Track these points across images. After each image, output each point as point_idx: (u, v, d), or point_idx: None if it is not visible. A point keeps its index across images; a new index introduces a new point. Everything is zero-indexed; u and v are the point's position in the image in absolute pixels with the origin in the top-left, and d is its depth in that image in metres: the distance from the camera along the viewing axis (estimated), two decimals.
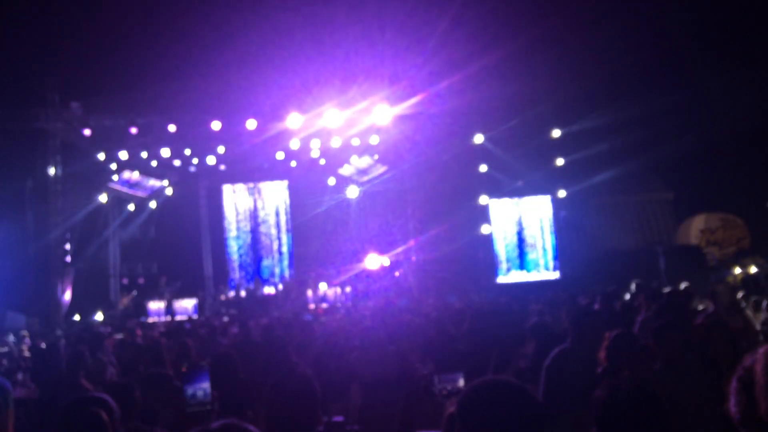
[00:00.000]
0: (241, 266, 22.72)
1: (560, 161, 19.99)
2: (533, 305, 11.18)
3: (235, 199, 23.03)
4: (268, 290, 21.07)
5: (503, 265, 20.45)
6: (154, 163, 19.43)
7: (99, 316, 17.40)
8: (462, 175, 19.64)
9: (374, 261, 19.32)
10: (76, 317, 17.34)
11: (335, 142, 18.69)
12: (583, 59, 17.60)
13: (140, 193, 21.65)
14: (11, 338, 12.22)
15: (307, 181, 22.15)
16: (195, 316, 17.09)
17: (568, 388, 4.04)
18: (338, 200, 22.62)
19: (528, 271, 20.41)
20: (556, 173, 20.28)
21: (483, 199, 20.31)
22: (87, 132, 16.97)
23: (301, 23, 15.70)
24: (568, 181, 20.34)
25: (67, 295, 17.47)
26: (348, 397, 5.85)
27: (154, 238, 22.15)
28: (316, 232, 22.38)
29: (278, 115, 16.66)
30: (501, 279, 20.13)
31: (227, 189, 22.94)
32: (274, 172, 21.77)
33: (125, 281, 21.15)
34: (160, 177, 21.51)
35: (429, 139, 19.17)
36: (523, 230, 20.60)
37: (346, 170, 22.11)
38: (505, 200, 20.68)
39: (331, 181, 22.58)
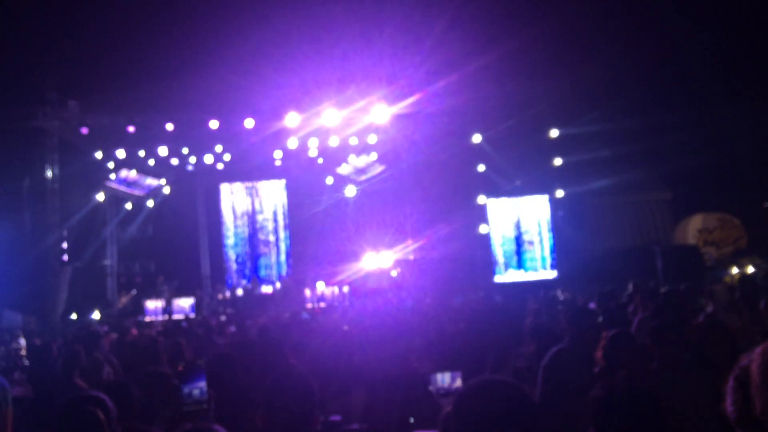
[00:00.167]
0: (238, 265, 22.71)
1: (558, 161, 20.01)
2: (530, 305, 11.20)
3: (232, 199, 23.02)
4: (266, 289, 21.07)
5: (501, 265, 20.45)
6: (151, 162, 19.42)
7: (96, 315, 17.38)
8: (460, 175, 19.65)
9: (372, 260, 19.32)
10: (73, 316, 17.32)
11: (333, 142, 18.70)
12: (581, 59, 17.62)
13: (138, 192, 21.62)
14: (8, 337, 12.21)
15: (305, 181, 22.15)
16: (192, 316, 17.08)
17: (565, 387, 4.04)
18: (336, 200, 22.62)
19: (525, 270, 20.42)
20: (554, 173, 20.30)
21: (481, 199, 20.33)
22: (84, 130, 16.94)
23: (299, 22, 15.70)
24: (566, 181, 20.36)
25: (64, 294, 17.45)
26: (345, 397, 5.85)
27: (151, 237, 22.13)
28: (314, 231, 22.37)
29: (276, 114, 16.65)
30: (498, 278, 20.14)
31: (225, 188, 22.93)
32: (271, 171, 21.76)
33: (123, 280, 21.12)
34: (158, 176, 21.49)
35: (427, 139, 19.17)
36: (520, 230, 20.61)
37: (344, 169, 22.10)
38: (503, 200, 20.69)
39: (329, 180, 22.58)
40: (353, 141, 18.94)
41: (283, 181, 22.86)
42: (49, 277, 17.08)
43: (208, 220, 22.80)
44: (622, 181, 21.20)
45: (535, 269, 20.48)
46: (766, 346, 1.72)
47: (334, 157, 20.59)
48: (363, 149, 20.15)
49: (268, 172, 21.89)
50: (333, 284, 18.60)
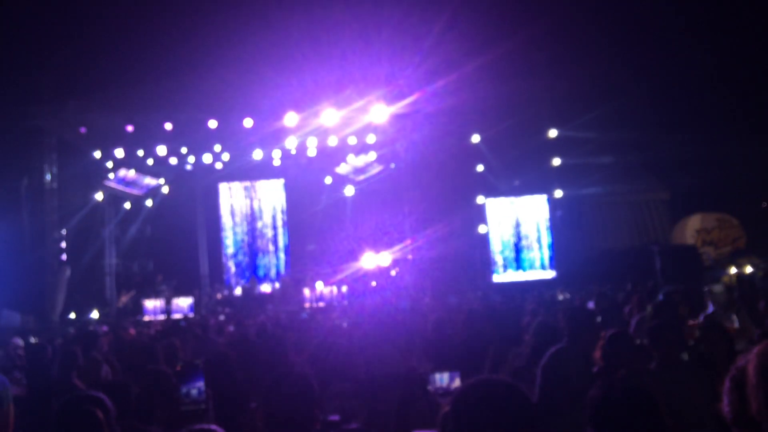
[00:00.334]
0: (237, 265, 22.70)
1: (557, 161, 20.03)
2: (529, 304, 11.21)
3: (231, 198, 23.00)
4: (265, 289, 21.06)
5: (499, 265, 20.46)
6: (150, 162, 19.40)
7: (95, 314, 17.38)
8: (459, 175, 19.66)
9: (371, 260, 19.32)
10: (72, 315, 17.31)
11: (332, 141, 18.70)
12: (580, 59, 17.63)
13: (136, 192, 21.60)
14: (7, 337, 12.18)
15: (304, 180, 22.13)
16: (191, 315, 17.07)
17: (564, 387, 4.04)
18: (335, 199, 22.62)
19: (524, 270, 20.43)
20: (553, 173, 20.32)
21: (479, 199, 20.34)
22: (83, 130, 16.92)
23: (298, 22, 15.68)
24: (565, 180, 20.38)
25: (62, 294, 17.44)
26: (344, 396, 5.85)
27: (150, 237, 22.12)
28: (313, 230, 22.37)
29: (275, 113, 16.65)
30: (497, 278, 20.15)
31: (223, 187, 22.91)
32: (270, 170, 21.75)
33: (122, 280, 21.10)
34: (157, 175, 21.47)
35: (426, 139, 19.18)
36: (519, 230, 20.62)
37: (342, 169, 22.10)
38: (502, 199, 20.71)
39: (328, 179, 22.57)
40: (352, 141, 18.95)
41: (281, 181, 22.85)
42: (47, 277, 17.07)
43: (207, 219, 22.78)
44: (620, 182, 21.22)
45: (534, 269, 20.49)
46: (762, 347, 1.73)
47: (332, 157, 20.59)
48: (362, 149, 20.16)
49: (266, 171, 21.87)
50: (332, 284, 18.60)
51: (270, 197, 23.07)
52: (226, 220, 22.86)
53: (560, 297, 14.06)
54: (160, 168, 20.65)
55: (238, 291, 20.80)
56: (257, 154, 19.21)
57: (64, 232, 18.03)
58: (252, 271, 22.39)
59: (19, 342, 10.20)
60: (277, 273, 22.49)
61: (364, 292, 18.27)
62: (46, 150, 17.36)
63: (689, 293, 8.22)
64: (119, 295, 19.93)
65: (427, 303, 14.29)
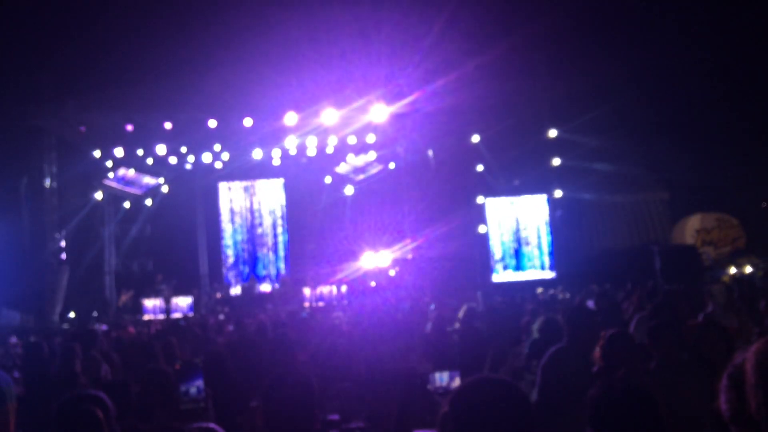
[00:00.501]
0: (236, 264, 22.71)
1: (556, 161, 20.03)
2: (528, 304, 11.21)
3: (230, 197, 23.00)
4: (264, 288, 21.07)
5: (499, 264, 20.46)
6: (149, 161, 19.40)
7: (94, 314, 17.38)
8: (458, 174, 19.66)
9: (370, 259, 19.32)
10: (71, 315, 17.31)
11: (332, 140, 18.70)
12: (580, 58, 17.63)
13: (136, 191, 21.61)
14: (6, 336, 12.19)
15: (304, 180, 22.14)
16: (191, 314, 17.08)
17: (563, 387, 4.04)
18: (334, 198, 22.62)
19: (524, 270, 20.43)
20: (553, 173, 20.31)
21: (479, 199, 20.34)
22: (82, 129, 16.92)
23: (298, 22, 15.68)
24: (565, 180, 20.38)
25: (62, 293, 17.43)
26: (344, 396, 5.85)
27: (149, 236, 22.12)
28: (313, 230, 22.37)
29: (275, 113, 16.65)
30: (496, 278, 20.15)
31: (223, 187, 22.91)
32: (270, 170, 21.75)
33: (122, 279, 21.10)
34: (156, 175, 21.47)
35: (426, 138, 19.19)
36: (519, 229, 20.61)
37: (342, 168, 22.10)
38: (502, 199, 20.70)
39: (328, 179, 22.57)
40: (351, 140, 18.94)
41: (281, 180, 22.85)
42: (47, 276, 17.07)
43: (207, 218, 22.77)
44: (620, 181, 21.22)
45: (534, 269, 20.49)
46: (759, 345, 1.73)
47: (332, 156, 20.59)
48: (361, 148, 20.16)
49: (266, 171, 21.87)
50: (331, 283, 18.60)
51: (270, 197, 23.07)
52: (226, 220, 22.86)
53: (552, 295, 14.03)
54: (160, 167, 20.65)
55: (237, 290, 20.80)
56: (257, 154, 19.21)
57: (63, 231, 18.02)
58: (251, 271, 22.39)
59: (15, 341, 10.21)
60: (277, 272, 22.49)
61: (363, 291, 18.28)
62: (46, 149, 17.36)
63: (689, 293, 8.23)
64: (119, 295, 19.93)
65: (427, 303, 14.29)
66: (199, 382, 4.38)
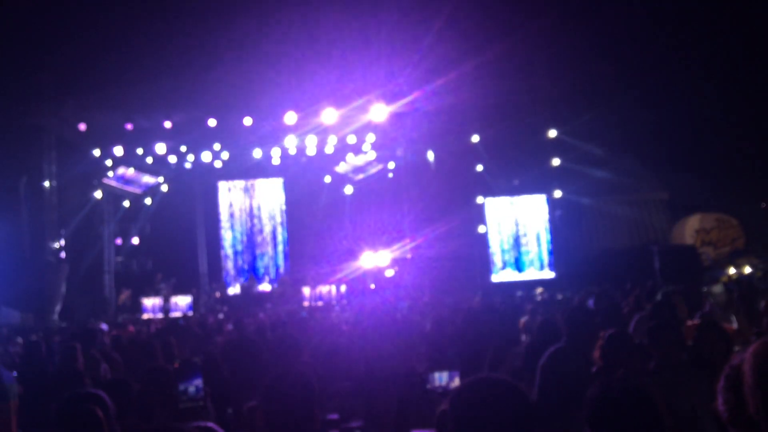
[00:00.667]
0: (236, 264, 22.71)
1: (556, 161, 20.03)
2: (527, 304, 11.22)
3: (230, 197, 23.01)
4: (264, 287, 21.07)
5: (498, 264, 20.46)
6: (149, 160, 19.39)
7: (94, 313, 17.37)
8: (458, 174, 19.66)
9: (370, 259, 19.32)
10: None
11: (331, 140, 18.70)
12: (580, 58, 17.63)
13: (135, 190, 21.60)
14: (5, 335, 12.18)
15: (303, 179, 22.14)
16: (190, 314, 17.09)
17: (563, 387, 4.05)
18: (334, 198, 22.62)
19: (523, 270, 20.43)
20: (552, 173, 20.31)
21: (479, 199, 20.34)
22: (82, 128, 16.91)
23: (298, 21, 15.68)
24: (564, 180, 20.38)
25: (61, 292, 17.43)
26: (344, 395, 5.86)
27: (149, 235, 22.12)
28: (312, 230, 22.38)
29: (275, 112, 16.65)
30: (495, 278, 20.15)
31: (223, 186, 22.91)
32: (269, 169, 21.75)
33: (121, 278, 21.10)
34: (156, 174, 21.46)
35: (425, 138, 19.19)
36: (518, 229, 20.62)
37: (342, 168, 22.10)
38: (501, 199, 20.71)
39: (327, 179, 22.57)
40: (351, 139, 18.94)
41: (281, 180, 22.85)
42: (46, 275, 17.05)
43: (206, 218, 22.78)
44: (619, 181, 21.23)
45: (533, 269, 20.49)
46: (757, 347, 1.73)
47: (332, 156, 20.59)
48: (361, 148, 20.15)
49: (266, 170, 21.88)
50: (331, 283, 18.62)
51: (269, 196, 23.07)
52: (225, 219, 22.87)
53: (551, 296, 13.99)
54: (160, 166, 20.65)
55: (236, 289, 20.81)
56: (257, 153, 19.22)
57: (63, 230, 18.02)
58: (251, 270, 22.39)
59: (21, 341, 10.20)
60: (276, 272, 22.50)
61: (363, 291, 18.29)
62: (46, 148, 17.35)
63: (688, 293, 8.23)
64: (118, 294, 19.93)
65: (426, 302, 14.29)
66: (198, 381, 4.38)
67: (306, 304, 17.46)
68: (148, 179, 21.55)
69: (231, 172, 21.79)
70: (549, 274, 20.18)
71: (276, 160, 20.33)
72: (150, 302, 17.83)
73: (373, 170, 21.87)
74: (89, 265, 19.76)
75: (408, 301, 13.99)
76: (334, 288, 18.33)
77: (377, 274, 19.12)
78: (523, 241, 20.60)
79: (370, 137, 19.02)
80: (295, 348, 5.91)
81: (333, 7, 15.36)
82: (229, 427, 5.25)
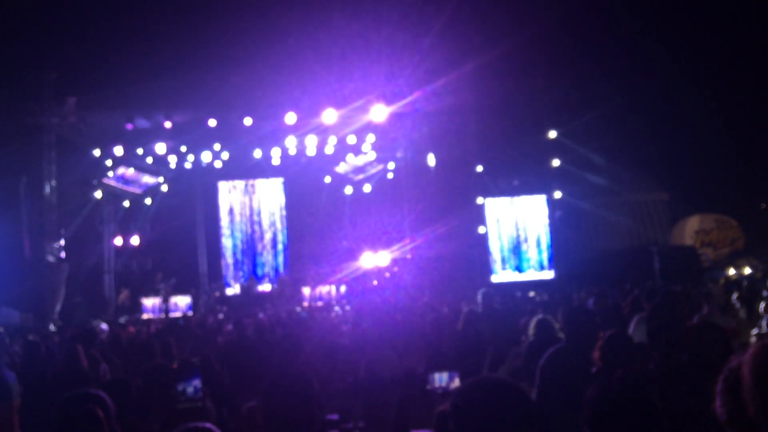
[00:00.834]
0: (236, 264, 22.70)
1: (556, 162, 20.03)
2: (527, 305, 11.23)
3: (230, 197, 23.00)
4: (263, 288, 21.06)
5: (498, 265, 20.46)
6: (149, 160, 19.38)
7: (94, 313, 17.36)
8: (458, 174, 19.65)
9: (370, 259, 19.32)
10: (71, 314, 17.30)
11: (331, 140, 18.69)
12: (580, 59, 17.64)
13: (135, 190, 21.59)
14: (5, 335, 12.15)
15: (303, 179, 22.13)
16: (190, 314, 17.08)
17: (562, 387, 4.05)
18: (334, 198, 22.61)
19: (523, 270, 20.43)
20: (552, 173, 20.31)
21: (479, 199, 20.34)
22: (82, 127, 16.90)
23: (298, 22, 15.69)
24: (564, 181, 20.38)
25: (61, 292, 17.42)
26: (344, 395, 5.86)
27: (149, 235, 22.10)
28: (312, 230, 22.37)
29: (274, 112, 16.65)
30: (495, 278, 20.15)
31: (223, 186, 22.90)
32: (270, 169, 21.73)
33: (121, 278, 21.08)
34: (156, 174, 21.45)
35: (425, 138, 19.18)
36: (518, 230, 20.62)
37: (342, 168, 22.10)
38: (501, 199, 20.71)
39: (327, 179, 22.57)
40: (351, 140, 18.93)
41: (281, 180, 22.84)
42: (46, 275, 17.05)
43: (206, 218, 22.77)
44: (619, 182, 21.25)
45: (533, 269, 20.49)
46: (756, 349, 1.73)
47: (332, 156, 20.58)
48: (361, 148, 20.15)
49: (266, 170, 21.87)
50: (331, 283, 18.61)
51: (269, 196, 23.07)
52: (225, 219, 22.86)
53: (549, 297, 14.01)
54: (160, 166, 20.64)
55: (236, 290, 20.79)
56: (257, 153, 19.21)
57: (62, 230, 18.00)
58: (251, 270, 22.39)
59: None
60: (276, 272, 22.49)
61: (363, 291, 18.28)
62: (46, 148, 17.34)
63: (688, 294, 8.24)
64: (118, 294, 19.93)
65: (426, 303, 14.28)
66: (196, 381, 4.38)
67: (306, 304, 17.45)
68: (148, 179, 21.53)
69: (231, 172, 21.77)
70: (549, 275, 20.18)
71: (276, 161, 20.31)
72: (150, 302, 17.83)
73: (373, 170, 21.86)
74: (89, 265, 19.75)
75: (406, 302, 13.98)
76: (333, 288, 18.33)
77: (377, 275, 19.12)
78: (522, 241, 20.60)
79: (370, 138, 19.01)
80: (295, 348, 5.92)
81: (333, 8, 15.38)
82: (228, 427, 5.25)
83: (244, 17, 15.70)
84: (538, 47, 17.09)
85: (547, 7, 16.42)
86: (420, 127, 18.60)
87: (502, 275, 20.29)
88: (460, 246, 19.19)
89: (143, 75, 15.70)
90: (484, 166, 20.09)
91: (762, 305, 7.52)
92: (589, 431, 2.21)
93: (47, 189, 17.40)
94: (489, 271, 20.27)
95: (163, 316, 17.09)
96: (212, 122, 16.65)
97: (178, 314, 16.80)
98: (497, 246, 20.53)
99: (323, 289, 18.22)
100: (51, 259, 17.25)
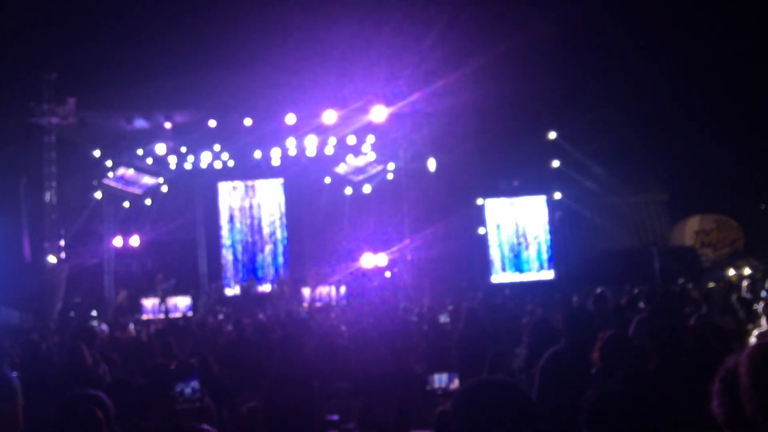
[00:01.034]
0: (235, 264, 22.70)
1: (556, 163, 20.03)
2: (528, 305, 11.22)
3: (230, 197, 23.00)
4: (263, 288, 21.05)
5: (498, 265, 20.45)
6: (149, 160, 19.38)
7: (93, 313, 17.36)
8: (458, 175, 19.64)
9: (369, 260, 19.31)
10: (71, 314, 17.30)
11: (331, 141, 18.69)
12: (580, 59, 17.64)
13: (135, 190, 21.58)
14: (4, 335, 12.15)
15: (303, 180, 22.13)
16: (190, 314, 17.07)
17: (562, 388, 4.05)
18: (334, 199, 22.61)
19: (523, 271, 20.43)
20: (552, 174, 20.32)
21: (479, 200, 20.34)
22: (82, 128, 16.91)
23: (299, 22, 15.69)
24: (564, 182, 20.39)
25: (61, 292, 17.43)
26: (343, 396, 5.86)
27: (149, 236, 22.08)
28: (312, 230, 22.36)
29: (274, 113, 16.65)
30: (495, 279, 20.14)
31: (222, 186, 22.90)
32: (269, 170, 21.73)
33: (120, 278, 21.06)
34: (156, 174, 21.44)
35: (425, 139, 19.18)
36: (518, 230, 20.61)
37: (341, 169, 22.09)
38: (501, 200, 20.70)
39: (327, 179, 22.56)
40: (351, 140, 18.93)
41: (280, 180, 22.84)
42: (46, 275, 17.05)
43: (206, 218, 22.77)
44: (619, 182, 21.25)
45: (533, 270, 20.48)
46: (752, 350, 1.72)
47: (332, 157, 20.58)
48: (361, 149, 20.14)
49: (266, 171, 21.86)
50: (330, 283, 18.60)
51: (269, 197, 23.06)
52: (225, 220, 22.86)
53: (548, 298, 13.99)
54: (160, 167, 20.63)
55: (236, 290, 20.78)
56: (257, 154, 19.21)
57: (62, 230, 18.01)
58: (251, 271, 22.38)
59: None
60: (276, 272, 22.48)
61: (362, 292, 18.27)
62: (46, 148, 17.35)
63: (688, 294, 8.24)
64: (117, 294, 19.92)
65: (426, 303, 14.28)
66: (194, 382, 4.38)
67: (305, 304, 17.45)
68: (148, 180, 21.52)
69: (231, 172, 21.77)
70: (549, 275, 20.17)
71: (276, 161, 20.31)
72: (150, 303, 17.83)
73: (373, 171, 21.85)
74: (89, 266, 19.74)
75: (405, 302, 13.98)
76: (333, 289, 18.32)
77: (377, 275, 19.11)
78: (522, 242, 20.59)
79: (370, 138, 19.00)
80: (294, 348, 5.92)
81: (333, 9, 15.39)
82: (228, 427, 5.25)
83: (245, 18, 15.72)
84: (538, 48, 17.10)
85: (547, 8, 16.43)
86: (420, 128, 18.60)
87: (501, 276, 20.28)
88: (460, 247, 19.19)
89: (143, 75, 15.70)
90: (484, 167, 20.08)
91: (762, 305, 7.51)
92: (589, 431, 2.21)
93: (47, 189, 17.40)
94: (489, 271, 20.26)
95: (162, 316, 17.08)
96: (212, 123, 16.66)
97: (177, 315, 16.80)
98: (497, 247, 20.53)
99: (323, 290, 18.22)
100: (51, 259, 17.26)
